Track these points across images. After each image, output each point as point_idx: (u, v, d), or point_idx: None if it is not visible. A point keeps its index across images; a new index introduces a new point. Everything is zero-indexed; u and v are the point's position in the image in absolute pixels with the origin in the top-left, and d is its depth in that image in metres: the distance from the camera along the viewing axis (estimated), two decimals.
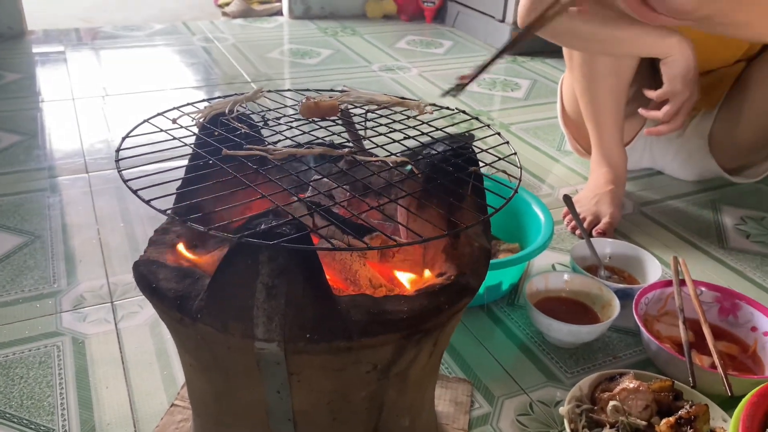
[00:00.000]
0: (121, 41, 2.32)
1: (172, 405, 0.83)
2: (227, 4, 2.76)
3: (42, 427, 0.80)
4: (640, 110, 1.13)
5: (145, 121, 0.69)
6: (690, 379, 0.82)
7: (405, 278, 0.67)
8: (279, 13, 2.70)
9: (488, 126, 0.75)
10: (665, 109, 1.09)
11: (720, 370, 0.83)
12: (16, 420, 0.80)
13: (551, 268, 1.15)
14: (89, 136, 1.58)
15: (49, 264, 1.11)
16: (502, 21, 2.32)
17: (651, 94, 1.10)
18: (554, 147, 1.61)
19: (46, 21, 2.50)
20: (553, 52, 1.57)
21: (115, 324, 0.98)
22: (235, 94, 0.77)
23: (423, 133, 0.72)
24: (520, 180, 0.63)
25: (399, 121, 0.75)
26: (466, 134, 0.88)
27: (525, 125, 1.74)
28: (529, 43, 1.19)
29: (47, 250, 1.14)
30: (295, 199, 0.58)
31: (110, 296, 1.04)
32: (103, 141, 1.56)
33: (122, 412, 0.83)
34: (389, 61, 2.21)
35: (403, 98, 0.79)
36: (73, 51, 2.19)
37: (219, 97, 0.77)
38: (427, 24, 2.66)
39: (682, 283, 1.00)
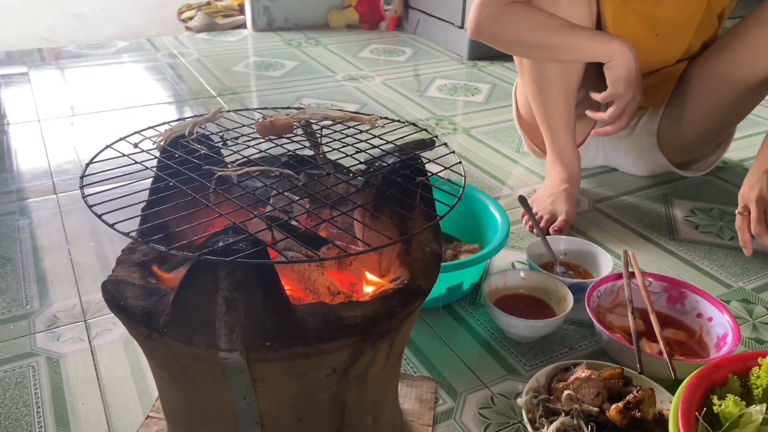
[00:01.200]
0: (86, 60, 2.32)
1: (147, 417, 0.86)
2: (190, 19, 2.78)
3: None
4: (587, 112, 1.19)
5: (107, 146, 0.72)
6: (638, 365, 0.88)
7: (362, 285, 0.71)
8: (243, 26, 2.73)
9: (436, 137, 0.80)
10: (610, 110, 1.14)
11: (665, 356, 0.88)
12: None
13: (511, 266, 1.20)
14: (56, 157, 1.59)
15: (21, 286, 1.13)
16: (461, 27, 2.38)
17: (596, 96, 1.16)
18: (513, 149, 1.66)
19: (7, 42, 2.49)
20: (512, 56, 1.62)
21: (89, 342, 1.00)
22: (195, 115, 0.81)
23: (374, 146, 0.76)
24: (463, 188, 0.67)
25: (352, 136, 0.79)
26: (428, 141, 0.92)
27: (485, 128, 1.80)
28: (489, 47, 1.23)
29: (18, 272, 1.16)
30: (253, 215, 0.62)
31: (83, 315, 1.06)
32: (71, 161, 1.58)
33: (99, 426, 0.85)
34: (353, 70, 2.26)
35: (356, 113, 0.83)
36: (36, 71, 2.19)
37: (179, 119, 0.80)
38: (390, 32, 2.70)
39: (632, 275, 1.05)
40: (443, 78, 2.19)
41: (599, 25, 1.23)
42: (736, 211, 1.10)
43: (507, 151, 1.65)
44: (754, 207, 1.07)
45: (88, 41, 2.56)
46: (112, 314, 0.62)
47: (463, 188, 0.67)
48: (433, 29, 2.56)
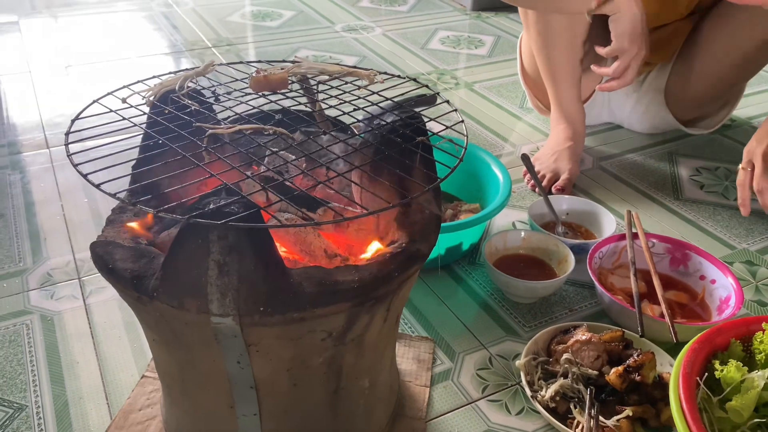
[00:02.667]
0: (78, 8, 2.25)
1: (143, 377, 0.85)
2: None
3: (15, 404, 0.82)
4: (592, 66, 1.15)
5: (94, 101, 0.69)
6: (639, 329, 0.87)
7: (359, 247, 0.69)
8: None
9: (437, 94, 0.76)
10: (614, 65, 1.10)
11: (667, 318, 0.87)
12: None
13: (512, 225, 1.18)
14: (48, 110, 1.56)
15: (14, 242, 1.11)
16: None
17: (601, 50, 1.12)
18: (517, 105, 1.62)
19: None
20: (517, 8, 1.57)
21: (84, 300, 0.99)
22: (185, 69, 0.77)
23: (372, 104, 0.73)
24: (465, 148, 0.64)
25: (350, 92, 0.75)
26: (428, 96, 0.89)
27: (488, 83, 1.75)
28: None
29: (11, 228, 1.14)
30: (247, 176, 0.59)
31: (77, 272, 1.05)
32: (63, 114, 1.54)
33: (94, 385, 0.85)
34: (352, 20, 2.19)
35: (354, 67, 0.79)
36: (27, 20, 2.13)
37: (170, 73, 0.77)
38: None
39: (635, 236, 1.04)
40: (446, 29, 2.13)
41: None
42: (740, 167, 1.07)
43: (510, 107, 1.62)
44: (760, 161, 1.04)
45: None
46: (94, 264, 0.60)
47: (465, 148, 0.64)
48: None
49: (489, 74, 1.81)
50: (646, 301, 0.96)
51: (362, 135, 0.70)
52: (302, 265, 0.66)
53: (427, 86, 0.78)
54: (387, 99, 0.75)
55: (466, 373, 0.88)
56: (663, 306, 0.91)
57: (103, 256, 0.60)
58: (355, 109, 0.72)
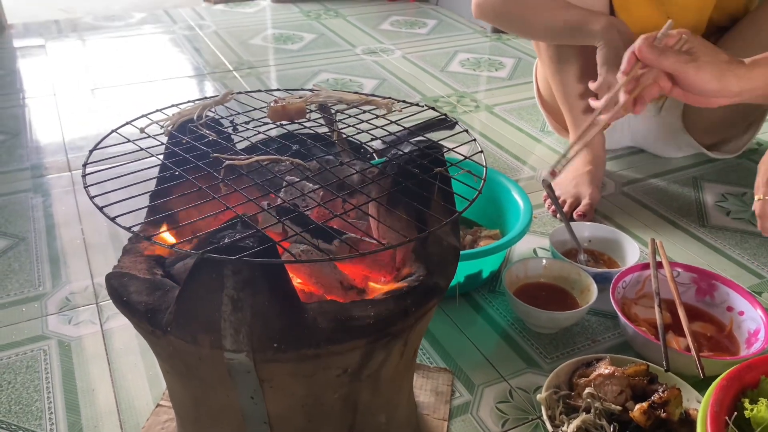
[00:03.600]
0: (102, 32, 2.30)
1: (158, 405, 0.85)
2: None
3: None
4: (589, 100, 1.13)
5: (113, 131, 0.70)
6: (664, 362, 0.84)
7: (375, 279, 0.68)
8: None
9: (456, 123, 0.76)
10: (604, 98, 1.08)
11: (693, 352, 0.84)
12: (4, 426, 0.82)
13: (532, 252, 1.16)
14: (71, 132, 1.58)
15: (34, 266, 1.12)
16: None
17: (591, 85, 1.09)
18: (537, 128, 1.61)
19: (25, 14, 2.47)
20: None
21: (101, 325, 0.99)
22: (204, 98, 0.77)
23: (390, 133, 0.72)
24: (484, 180, 0.63)
25: (367, 121, 0.75)
26: (449, 120, 0.88)
27: (509, 106, 1.74)
28: None
29: (32, 252, 1.15)
30: (263, 208, 0.59)
31: (95, 297, 1.05)
32: (85, 137, 1.56)
33: (109, 413, 0.84)
34: (373, 43, 2.20)
35: (372, 95, 0.79)
36: (53, 43, 2.17)
37: (188, 102, 0.77)
38: (411, 3, 2.63)
39: (659, 265, 1.01)
40: (466, 52, 2.13)
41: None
42: (756, 197, 1.02)
43: (531, 129, 1.60)
44: None
45: (104, 12, 2.53)
46: (109, 296, 0.60)
47: (484, 180, 0.63)
48: (456, 0, 2.48)
49: (509, 97, 1.80)
50: (671, 332, 0.93)
51: (377, 161, 0.70)
52: (317, 297, 0.65)
53: (446, 116, 0.77)
54: (404, 128, 0.75)
55: (486, 407, 0.86)
56: (689, 339, 0.88)
57: (118, 289, 0.59)
58: (372, 139, 0.72)
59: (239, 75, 1.92)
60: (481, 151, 0.68)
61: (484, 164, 0.65)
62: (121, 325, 0.99)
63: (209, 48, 2.14)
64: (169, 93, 1.82)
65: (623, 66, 0.84)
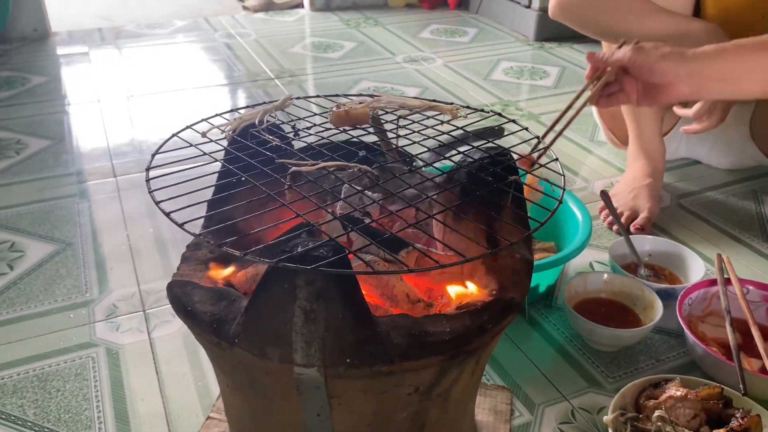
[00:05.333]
0: (144, 40, 2.31)
1: (208, 417, 0.82)
2: None
3: None
4: (674, 108, 1.09)
5: (174, 135, 0.68)
6: (740, 386, 0.79)
7: (441, 291, 0.65)
8: (300, 5, 2.67)
9: (526, 129, 0.72)
10: (696, 107, 1.04)
11: None
12: None
13: (589, 266, 1.12)
14: (115, 139, 1.58)
15: (81, 272, 1.11)
16: (528, 6, 2.27)
17: None
18: (587, 137, 1.57)
19: (69, 21, 2.50)
20: (582, 37, 1.52)
21: (148, 333, 0.98)
22: (264, 102, 0.75)
23: (457, 140, 0.69)
24: (564, 189, 0.60)
25: (432, 127, 0.72)
26: (496, 128, 0.85)
27: (555, 115, 1.69)
28: (558, 28, 1.15)
29: (78, 257, 1.15)
30: (330, 216, 0.56)
31: (142, 305, 1.03)
32: (129, 143, 1.56)
33: (158, 424, 0.82)
34: (413, 51, 2.18)
35: (435, 101, 0.76)
36: (96, 51, 2.19)
37: (248, 106, 0.75)
38: (451, 11, 2.61)
39: (727, 281, 0.96)
40: (508, 60, 2.09)
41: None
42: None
43: (580, 140, 1.56)
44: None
45: (146, 21, 2.55)
46: (171, 305, 0.58)
47: (564, 190, 0.59)
48: (497, 8, 2.45)
49: (555, 105, 1.76)
50: (743, 353, 0.88)
51: (434, 167, 0.67)
52: (382, 310, 0.62)
53: (514, 121, 0.74)
54: (469, 134, 0.72)
55: (547, 427, 0.82)
56: (765, 359, 0.83)
57: (182, 298, 0.57)
58: (440, 145, 0.69)
59: (280, 83, 1.91)
60: (557, 159, 0.65)
61: (562, 173, 0.62)
62: (168, 333, 0.97)
63: (250, 56, 2.13)
64: (212, 100, 1.82)
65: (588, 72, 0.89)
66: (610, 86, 0.87)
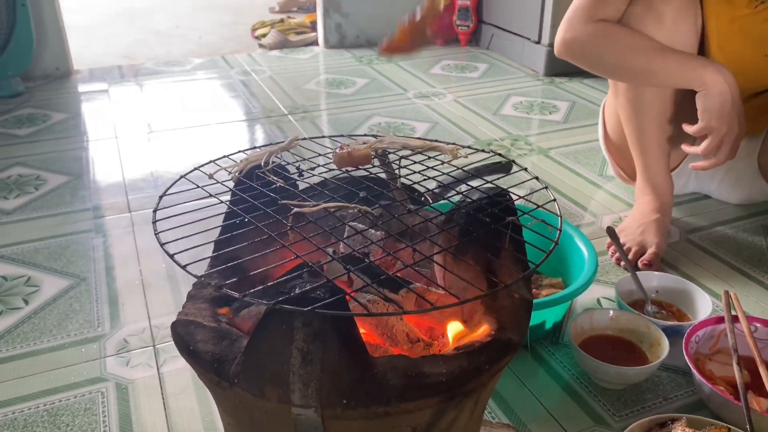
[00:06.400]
0: (163, 77, 2.37)
1: None
2: (264, 36, 2.80)
3: None
4: (683, 146, 1.10)
5: (181, 177, 0.70)
6: (747, 426, 0.78)
7: (441, 331, 0.66)
8: (314, 43, 2.73)
9: (525, 170, 0.74)
10: (704, 144, 1.05)
11: None
12: None
13: (596, 302, 1.12)
14: (132, 174, 1.61)
15: (94, 307, 1.13)
16: (538, 42, 2.30)
17: (688, 129, 1.06)
18: (596, 172, 1.57)
19: (90, 60, 2.58)
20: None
21: (158, 368, 0.99)
22: (270, 143, 0.78)
23: (456, 180, 0.71)
24: (560, 230, 0.61)
25: (433, 167, 0.74)
26: (503, 162, 0.86)
27: (564, 149, 1.71)
28: (567, 63, 1.16)
29: (92, 292, 1.17)
30: (331, 257, 0.58)
31: (152, 339, 1.05)
32: (145, 179, 1.59)
33: None
34: (424, 87, 2.21)
35: (436, 141, 0.78)
36: (116, 88, 2.25)
37: (254, 147, 0.78)
38: (462, 47, 2.65)
39: (735, 319, 0.96)
40: (518, 95, 2.12)
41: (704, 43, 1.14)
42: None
43: (589, 174, 1.57)
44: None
45: (165, 58, 2.62)
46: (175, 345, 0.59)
47: (560, 230, 0.60)
48: (507, 44, 2.49)
49: (565, 140, 1.77)
50: (751, 392, 0.87)
51: (437, 204, 0.68)
52: (382, 349, 0.63)
53: (514, 162, 0.75)
54: (469, 174, 0.73)
55: None
56: None
57: (184, 337, 0.59)
58: (439, 186, 0.70)
59: (294, 119, 1.95)
60: (554, 200, 0.66)
61: (559, 213, 0.63)
62: (177, 368, 0.98)
63: (264, 92, 2.18)
64: (227, 136, 1.86)
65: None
66: None
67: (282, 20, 3.02)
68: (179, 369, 0.98)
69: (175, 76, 2.39)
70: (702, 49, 1.15)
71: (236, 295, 0.51)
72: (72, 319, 1.10)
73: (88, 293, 1.16)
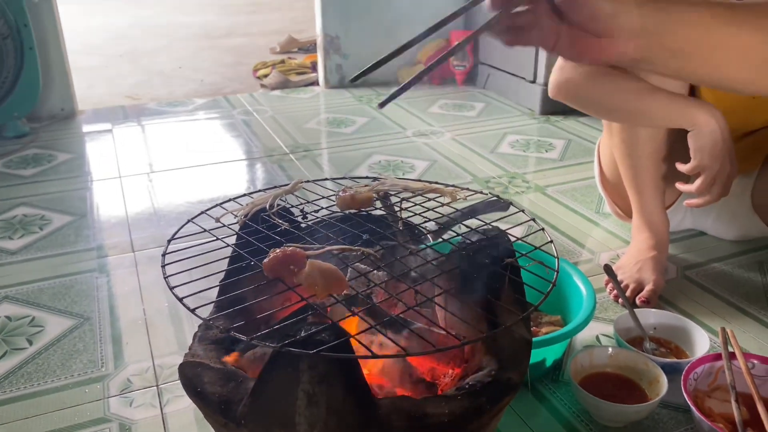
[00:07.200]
0: (166, 117, 2.42)
1: None
2: (265, 76, 2.86)
3: None
4: (676, 184, 1.12)
5: (189, 221, 0.72)
6: None
7: (443, 371, 0.67)
8: (315, 83, 2.79)
9: (522, 211, 0.76)
10: (697, 182, 1.07)
11: None
12: None
13: (595, 339, 1.13)
14: (135, 214, 1.64)
15: (98, 347, 1.14)
16: (533, 81, 2.35)
17: (682, 167, 1.09)
18: (592, 209, 1.60)
19: (94, 100, 2.63)
20: None
21: (161, 408, 0.99)
22: (275, 186, 0.80)
23: (454, 220, 0.73)
24: (557, 272, 0.63)
25: (433, 209, 0.76)
26: (501, 201, 0.88)
27: (561, 187, 1.74)
28: (562, 102, 1.20)
29: (96, 332, 1.18)
30: (335, 300, 0.59)
31: (156, 379, 1.06)
32: (149, 219, 1.61)
33: None
34: (423, 126, 2.25)
35: (436, 183, 0.80)
36: (119, 128, 2.29)
37: (260, 190, 0.80)
38: (459, 87, 2.70)
39: (732, 356, 0.97)
40: (515, 133, 2.16)
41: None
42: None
43: (586, 211, 1.59)
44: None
45: (168, 98, 2.67)
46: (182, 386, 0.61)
47: (557, 273, 0.62)
48: (504, 84, 2.54)
49: (561, 178, 1.80)
50: (750, 429, 0.88)
51: (434, 243, 0.70)
52: (386, 389, 0.64)
53: (512, 203, 0.78)
54: (468, 214, 0.75)
55: None
56: None
57: (192, 379, 0.60)
58: (439, 228, 0.72)
59: (295, 158, 1.98)
60: (551, 241, 0.68)
61: (556, 255, 0.65)
62: (180, 408, 0.99)
63: (266, 132, 2.22)
64: (230, 175, 1.89)
65: None
66: (522, 16, 0.60)
67: (283, 61, 3.09)
68: (182, 409, 0.99)
69: (178, 116, 2.43)
70: (693, 90, 1.18)
71: (243, 338, 0.52)
72: (76, 359, 1.11)
73: (92, 333, 1.17)
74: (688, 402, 0.89)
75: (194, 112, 2.47)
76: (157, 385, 1.04)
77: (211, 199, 1.71)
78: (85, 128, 2.31)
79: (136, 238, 1.51)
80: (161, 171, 1.91)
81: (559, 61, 1.17)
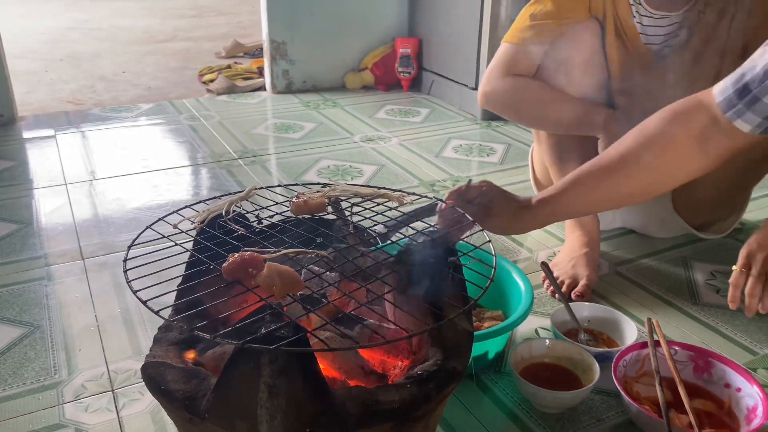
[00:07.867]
0: (110, 123, 2.39)
1: None
2: (211, 81, 2.86)
3: None
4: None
5: (147, 227, 0.75)
6: None
7: (393, 362, 0.72)
8: (262, 88, 2.81)
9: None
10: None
11: (695, 429, 0.88)
12: None
13: (534, 332, 1.20)
14: (83, 221, 1.63)
15: (50, 354, 1.14)
16: (475, 89, 2.44)
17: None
18: None
19: (35, 106, 2.58)
20: None
21: (117, 412, 1.01)
22: (230, 193, 0.83)
23: (402, 223, 0.78)
24: (495, 268, 0.69)
25: (382, 213, 0.81)
26: (427, 206, 0.94)
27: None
28: None
29: (47, 340, 1.18)
30: (292, 300, 0.64)
31: (111, 384, 1.07)
32: (96, 225, 1.61)
33: None
34: (370, 131, 2.31)
35: (384, 189, 0.85)
36: (63, 134, 2.26)
37: (215, 197, 0.83)
38: (404, 93, 2.77)
39: (657, 343, 1.05)
40: (458, 138, 2.24)
41: None
42: (735, 267, 1.05)
43: None
44: (759, 266, 1.01)
45: (112, 104, 2.64)
46: (139, 384, 0.63)
47: (495, 268, 0.68)
48: (447, 90, 2.62)
49: (502, 180, 1.88)
50: (673, 410, 0.96)
51: (382, 246, 0.75)
52: (340, 382, 0.69)
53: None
54: (412, 217, 0.81)
55: None
56: (691, 416, 0.91)
57: (155, 377, 0.63)
58: (387, 230, 0.77)
59: (244, 163, 2.00)
60: (490, 241, 0.74)
61: (494, 253, 0.71)
62: (137, 412, 1.01)
63: (213, 137, 2.23)
64: (178, 181, 1.89)
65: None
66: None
67: (229, 66, 3.09)
68: (139, 411, 1.01)
69: (123, 121, 2.41)
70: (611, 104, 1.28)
71: (207, 336, 0.56)
72: (27, 367, 1.11)
73: (43, 341, 1.18)
74: (618, 387, 0.97)
75: (140, 118, 2.45)
76: (112, 390, 1.06)
77: (160, 205, 1.71)
78: (26, 134, 2.26)
79: (85, 245, 1.51)
80: (108, 177, 1.90)
81: (487, 72, 1.25)
